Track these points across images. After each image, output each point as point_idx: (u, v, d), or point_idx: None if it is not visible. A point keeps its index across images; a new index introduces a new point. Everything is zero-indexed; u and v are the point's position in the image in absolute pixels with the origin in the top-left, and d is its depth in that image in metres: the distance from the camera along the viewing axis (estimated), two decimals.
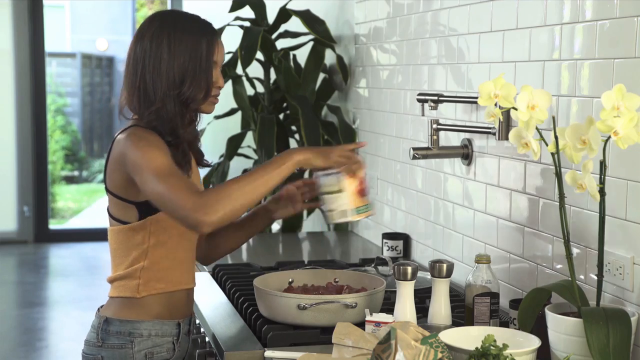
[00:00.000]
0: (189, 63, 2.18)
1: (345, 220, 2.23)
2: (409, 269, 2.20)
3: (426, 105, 2.86)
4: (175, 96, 2.19)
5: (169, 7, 9.82)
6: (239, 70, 4.23)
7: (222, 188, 2.07)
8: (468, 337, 1.97)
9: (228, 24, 4.18)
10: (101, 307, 2.32)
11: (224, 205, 2.03)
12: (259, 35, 3.96)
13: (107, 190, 2.24)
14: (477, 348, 1.84)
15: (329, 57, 4.09)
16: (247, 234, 2.47)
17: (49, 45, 8.80)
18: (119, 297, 2.25)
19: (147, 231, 2.21)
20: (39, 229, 8.50)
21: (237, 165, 4.44)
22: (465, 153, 2.76)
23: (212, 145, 5.54)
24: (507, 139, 2.47)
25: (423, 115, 2.90)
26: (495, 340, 1.84)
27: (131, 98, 2.22)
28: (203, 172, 3.97)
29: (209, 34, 2.24)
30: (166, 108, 2.18)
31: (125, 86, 2.24)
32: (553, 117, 1.94)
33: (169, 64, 2.18)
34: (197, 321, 2.62)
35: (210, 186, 4.17)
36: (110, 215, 2.27)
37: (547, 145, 1.93)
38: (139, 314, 2.23)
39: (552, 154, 1.94)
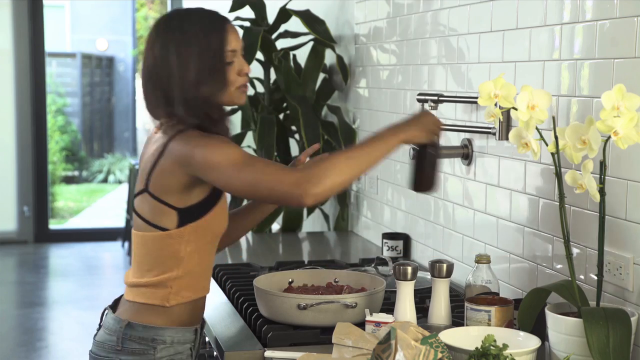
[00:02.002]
0: (200, 64, 2.13)
1: None
2: (409, 269, 2.20)
3: (426, 105, 2.86)
4: (194, 98, 2.13)
5: (169, 7, 9.81)
6: None
7: (328, 160, 2.07)
8: (468, 337, 1.97)
9: None
10: (111, 307, 2.25)
11: (331, 177, 2.03)
12: (259, 35, 3.95)
13: (149, 194, 2.15)
14: (477, 348, 1.84)
15: (329, 57, 4.09)
16: (260, 214, 2.43)
17: (49, 45, 8.81)
18: (145, 303, 2.18)
19: (184, 239, 2.14)
20: (39, 229, 8.50)
21: None
22: (465, 153, 2.76)
23: None
24: (507, 139, 2.47)
25: None
26: (495, 340, 1.84)
27: (157, 106, 2.18)
28: None
29: (217, 26, 2.16)
30: (193, 110, 2.13)
31: (146, 96, 2.20)
32: (553, 117, 1.94)
33: (180, 70, 2.12)
34: None
35: None
36: (143, 219, 2.18)
37: (547, 145, 1.93)
38: (164, 321, 2.17)
39: (552, 154, 1.94)
